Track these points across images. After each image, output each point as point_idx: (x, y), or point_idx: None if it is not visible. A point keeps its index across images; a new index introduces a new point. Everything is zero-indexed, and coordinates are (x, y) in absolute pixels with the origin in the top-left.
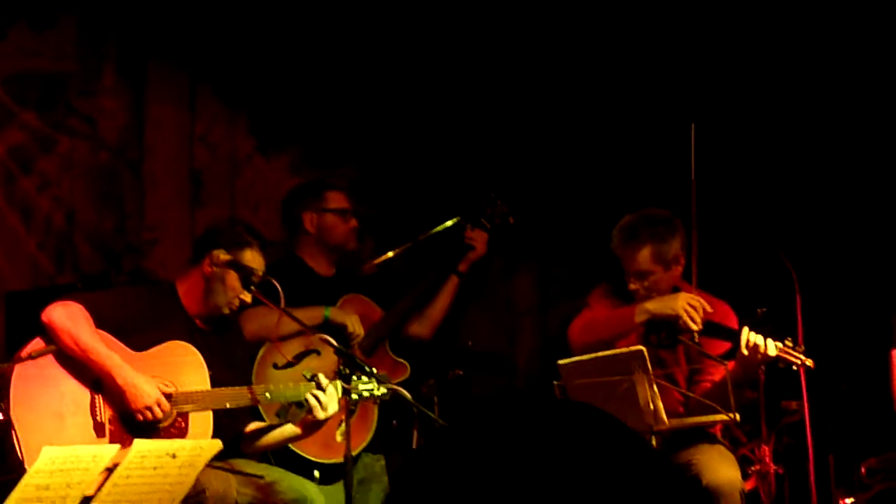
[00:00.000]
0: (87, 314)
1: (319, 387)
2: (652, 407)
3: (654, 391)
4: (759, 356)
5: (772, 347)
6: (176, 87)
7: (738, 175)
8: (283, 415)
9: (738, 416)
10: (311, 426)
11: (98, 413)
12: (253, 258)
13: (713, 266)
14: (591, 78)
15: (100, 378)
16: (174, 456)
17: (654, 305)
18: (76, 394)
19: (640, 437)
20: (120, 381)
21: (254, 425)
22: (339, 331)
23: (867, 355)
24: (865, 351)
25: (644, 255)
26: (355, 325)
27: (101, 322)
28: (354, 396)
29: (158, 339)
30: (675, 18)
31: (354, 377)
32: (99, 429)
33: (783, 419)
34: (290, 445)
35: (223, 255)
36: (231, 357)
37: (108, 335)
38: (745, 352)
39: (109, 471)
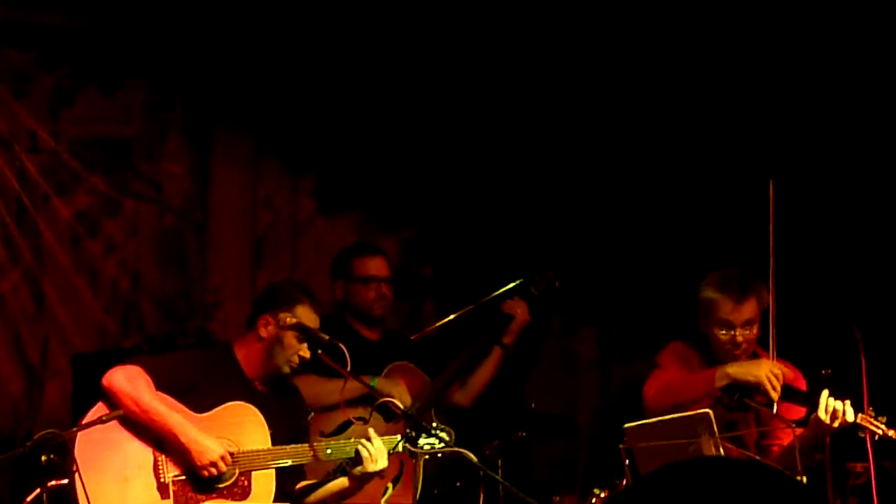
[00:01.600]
0: (146, 377)
1: (369, 440)
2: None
3: (720, 454)
4: (838, 423)
5: (850, 413)
6: (240, 151)
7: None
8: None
9: (805, 479)
10: (360, 480)
11: (162, 474)
12: (305, 313)
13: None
14: (654, 140)
15: (162, 438)
16: None
17: (735, 371)
18: (139, 455)
19: None
20: (183, 438)
21: (301, 483)
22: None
23: None
24: None
25: (752, 304)
26: (402, 395)
27: (161, 384)
28: (421, 449)
29: (218, 400)
30: (751, 70)
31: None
32: (163, 490)
33: (849, 481)
34: None
35: (290, 319)
36: (290, 417)
37: (168, 397)
38: (825, 416)
39: None
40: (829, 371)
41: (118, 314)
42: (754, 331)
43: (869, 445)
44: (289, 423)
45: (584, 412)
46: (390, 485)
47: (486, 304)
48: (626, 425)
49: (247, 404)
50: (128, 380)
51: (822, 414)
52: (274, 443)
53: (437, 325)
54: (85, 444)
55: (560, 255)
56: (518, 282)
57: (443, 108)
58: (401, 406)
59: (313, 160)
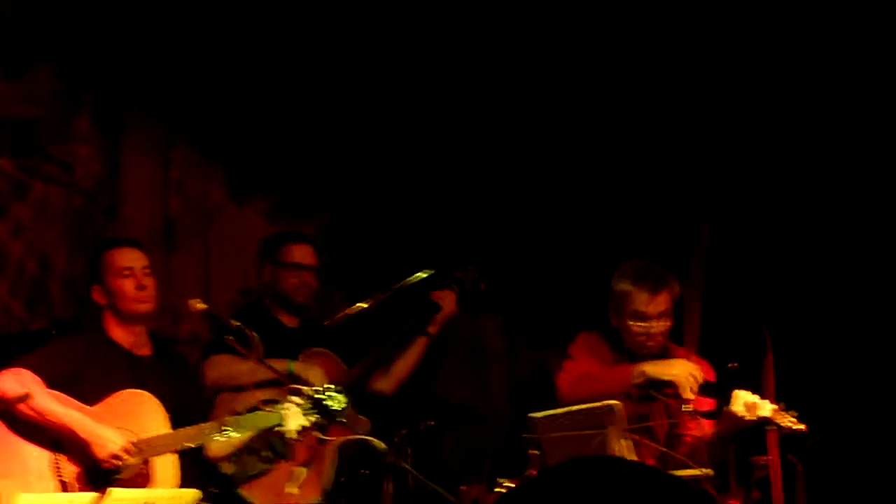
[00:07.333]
0: (36, 378)
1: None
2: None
3: (626, 445)
4: (755, 416)
5: (766, 408)
6: (151, 136)
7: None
8: (237, 460)
9: (711, 472)
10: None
11: (63, 473)
12: (126, 254)
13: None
14: (560, 132)
15: (60, 437)
16: None
17: (652, 369)
18: (38, 459)
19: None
20: (83, 434)
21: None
22: (302, 384)
23: (835, 410)
24: (833, 406)
25: (666, 297)
26: (319, 380)
27: (52, 380)
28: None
29: (105, 383)
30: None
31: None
32: (68, 489)
33: (753, 474)
34: (242, 493)
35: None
36: (178, 377)
37: (61, 395)
38: (741, 409)
39: None
40: (736, 365)
41: (25, 297)
42: (667, 323)
43: (775, 439)
44: (177, 383)
45: (493, 402)
46: (303, 469)
47: (395, 293)
48: (532, 415)
49: (140, 391)
50: (18, 384)
51: (738, 408)
52: (166, 403)
53: (347, 312)
54: None
55: (470, 244)
56: (429, 272)
57: (351, 97)
58: (309, 393)
59: (225, 146)
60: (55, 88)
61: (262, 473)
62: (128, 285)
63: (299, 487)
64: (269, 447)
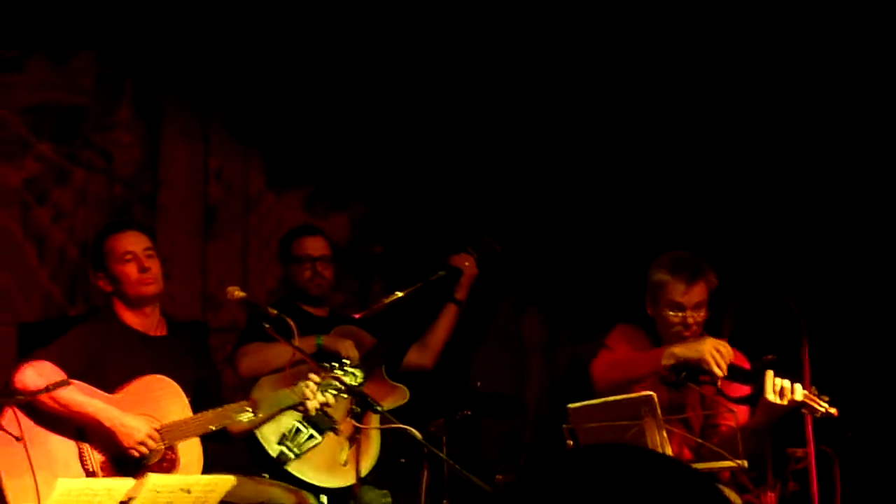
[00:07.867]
0: (57, 370)
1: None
2: (661, 452)
3: (663, 436)
4: (787, 401)
5: (798, 392)
6: (190, 123)
7: (743, 219)
8: (283, 441)
9: (745, 463)
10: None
11: (88, 462)
12: (126, 239)
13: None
14: (605, 125)
15: (84, 427)
16: (188, 491)
17: (681, 350)
18: (62, 449)
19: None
20: (108, 423)
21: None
22: (333, 358)
23: (873, 403)
24: (871, 399)
25: (703, 287)
26: (349, 350)
27: (73, 370)
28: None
29: (123, 368)
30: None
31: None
32: (91, 477)
33: (789, 466)
34: (293, 471)
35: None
36: (192, 349)
37: (83, 384)
38: (772, 395)
39: None
40: (773, 356)
41: (65, 283)
42: (703, 313)
43: (809, 428)
44: (194, 361)
45: (531, 392)
46: (346, 442)
47: (432, 283)
48: (570, 406)
49: (161, 377)
50: (41, 377)
51: (769, 394)
52: (184, 382)
53: (384, 302)
54: (4, 446)
55: (509, 235)
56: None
57: (393, 85)
58: (346, 383)
59: (264, 134)
60: (97, 75)
61: (310, 450)
62: (131, 269)
63: (344, 464)
64: (313, 425)
